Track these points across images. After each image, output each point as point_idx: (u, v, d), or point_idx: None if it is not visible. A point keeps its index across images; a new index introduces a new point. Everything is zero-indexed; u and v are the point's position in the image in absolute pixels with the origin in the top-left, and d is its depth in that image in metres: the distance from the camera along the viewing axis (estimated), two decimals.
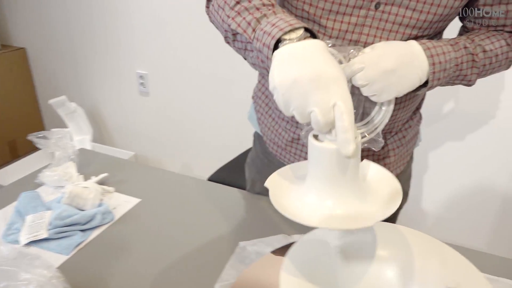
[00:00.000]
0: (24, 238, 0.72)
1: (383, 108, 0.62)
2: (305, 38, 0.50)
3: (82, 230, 0.75)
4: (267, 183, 0.51)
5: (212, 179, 1.43)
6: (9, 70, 2.26)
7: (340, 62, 0.62)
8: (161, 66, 1.95)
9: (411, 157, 0.87)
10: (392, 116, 0.68)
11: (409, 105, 0.73)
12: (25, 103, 2.39)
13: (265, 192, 0.88)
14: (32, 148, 2.30)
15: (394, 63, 0.57)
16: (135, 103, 2.13)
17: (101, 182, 0.91)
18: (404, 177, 0.86)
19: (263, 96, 0.84)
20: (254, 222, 0.81)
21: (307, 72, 0.45)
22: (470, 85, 0.68)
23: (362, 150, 0.72)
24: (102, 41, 2.06)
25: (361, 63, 0.57)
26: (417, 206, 1.66)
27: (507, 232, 1.54)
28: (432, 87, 0.62)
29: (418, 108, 0.81)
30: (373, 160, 0.75)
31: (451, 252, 0.53)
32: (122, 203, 0.85)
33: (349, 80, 0.60)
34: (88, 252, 0.71)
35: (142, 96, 2.08)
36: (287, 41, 0.50)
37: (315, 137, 0.49)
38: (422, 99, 0.81)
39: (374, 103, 0.62)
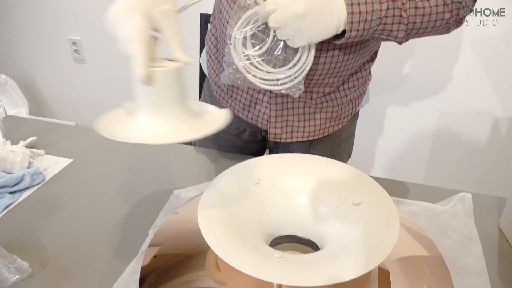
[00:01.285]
0: None
1: (304, 54, 0.64)
2: None
3: (11, 193, 0.74)
4: (96, 124, 0.52)
5: None
6: None
7: (256, 3, 0.63)
8: (95, 31, 1.87)
9: (355, 116, 0.86)
10: (328, 70, 0.69)
11: (347, 60, 0.70)
12: None
13: (209, 137, 0.89)
14: None
15: (306, 7, 0.56)
16: (71, 71, 2.04)
17: (30, 146, 0.89)
18: (345, 134, 0.86)
19: (212, 38, 0.83)
20: (190, 172, 0.83)
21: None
22: (399, 42, 0.64)
23: (292, 100, 0.74)
24: (29, 7, 1.93)
25: (274, 4, 0.57)
26: (365, 157, 1.75)
27: (438, 165, 1.66)
28: (351, 38, 0.60)
29: (365, 68, 0.78)
30: (309, 113, 0.77)
31: (362, 176, 0.58)
32: (53, 164, 0.83)
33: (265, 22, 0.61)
34: (19, 213, 0.70)
35: (78, 63, 2.00)
36: None
37: None
38: (370, 61, 0.78)
39: (296, 50, 0.64)
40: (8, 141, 0.89)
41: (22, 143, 0.87)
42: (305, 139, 0.80)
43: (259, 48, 0.65)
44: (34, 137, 0.90)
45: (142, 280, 0.53)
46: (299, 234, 0.56)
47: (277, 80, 0.66)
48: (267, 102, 0.75)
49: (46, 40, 2.00)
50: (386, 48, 1.38)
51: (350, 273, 0.41)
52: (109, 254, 0.62)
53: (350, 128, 0.87)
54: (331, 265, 0.43)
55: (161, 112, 0.50)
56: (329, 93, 0.76)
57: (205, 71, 0.89)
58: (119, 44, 0.50)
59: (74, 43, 1.94)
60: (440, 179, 1.68)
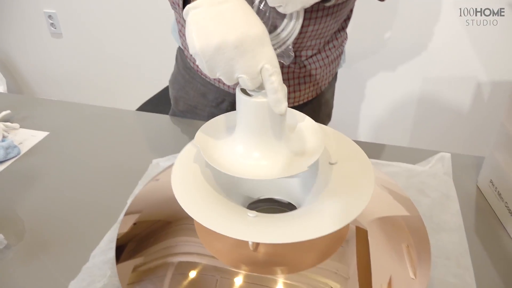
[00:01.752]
0: None
1: (292, 21, 0.62)
2: None
3: None
4: (196, 141, 0.51)
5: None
6: None
7: None
8: (71, 4, 1.81)
9: (335, 77, 0.87)
10: (312, 32, 0.67)
11: (329, 21, 0.69)
12: None
13: (188, 109, 0.87)
14: None
15: None
16: (47, 46, 1.98)
17: (4, 120, 0.86)
18: (325, 96, 0.86)
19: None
20: (169, 141, 0.82)
21: (230, 38, 0.42)
22: None
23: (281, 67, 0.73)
24: None
25: None
26: (348, 124, 1.75)
27: (421, 130, 1.67)
28: None
29: (343, 27, 0.79)
30: (294, 78, 0.75)
31: (340, 137, 0.57)
32: (28, 138, 0.81)
33: None
34: None
35: (55, 38, 1.94)
36: None
37: (243, 90, 0.49)
38: (347, 19, 0.78)
39: (283, 16, 0.62)
40: None
41: None
42: (290, 104, 0.78)
43: None
44: (8, 111, 0.87)
45: (121, 248, 0.52)
46: (277, 197, 0.56)
47: None
48: None
49: (20, 15, 1.93)
50: (368, 11, 1.37)
51: (323, 229, 0.41)
52: (87, 224, 0.61)
53: (330, 90, 0.86)
54: (305, 222, 0.43)
55: (262, 143, 0.49)
56: (312, 56, 0.75)
57: (177, 42, 0.87)
58: (217, 75, 0.45)
59: (49, 17, 1.87)
60: (424, 144, 1.69)
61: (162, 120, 0.90)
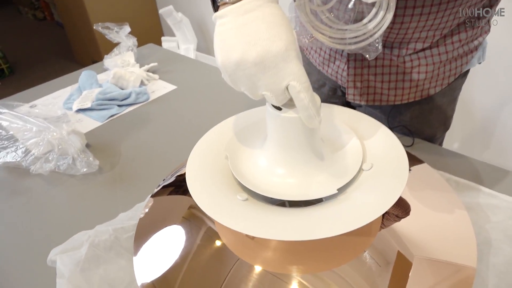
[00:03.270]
0: (75, 106, 0.87)
1: (381, 12, 0.54)
2: None
3: (119, 105, 0.87)
4: (226, 151, 0.49)
5: None
6: None
7: None
8: None
9: (461, 77, 0.69)
10: (419, 23, 0.57)
11: (444, 10, 0.56)
12: (147, 13, 2.64)
13: None
14: None
15: None
16: None
17: (152, 70, 1.02)
18: (442, 99, 0.70)
19: None
20: None
21: (250, 54, 0.39)
22: None
23: (373, 58, 0.64)
24: None
25: None
26: (479, 138, 1.45)
27: None
28: None
29: (479, 16, 0.61)
30: (391, 73, 0.66)
31: (386, 133, 0.49)
32: (160, 88, 0.94)
33: None
34: (118, 123, 0.83)
35: None
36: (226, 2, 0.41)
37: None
38: (489, 6, 0.61)
39: (371, 5, 0.54)
40: (138, 64, 1.03)
41: (144, 67, 1.00)
42: (390, 103, 0.69)
43: (328, 2, 0.58)
44: (155, 63, 1.02)
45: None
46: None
47: (349, 38, 0.58)
48: (346, 58, 0.67)
49: None
50: None
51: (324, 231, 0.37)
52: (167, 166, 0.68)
53: (450, 93, 0.69)
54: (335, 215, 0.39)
55: (289, 160, 0.46)
56: (423, 49, 0.62)
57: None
58: (242, 90, 0.43)
59: None
60: None
61: None
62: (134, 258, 0.47)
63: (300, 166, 0.45)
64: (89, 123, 0.83)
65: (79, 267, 0.46)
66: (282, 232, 0.37)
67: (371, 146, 0.49)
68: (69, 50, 3.04)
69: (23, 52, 3.29)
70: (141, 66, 1.03)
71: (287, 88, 0.40)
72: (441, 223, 0.52)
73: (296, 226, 0.39)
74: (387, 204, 0.38)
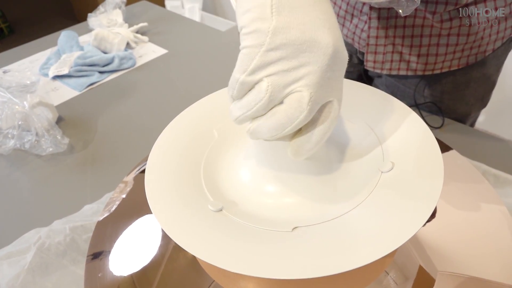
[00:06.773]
0: (51, 72, 0.76)
1: None
2: None
3: (100, 72, 0.76)
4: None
5: None
6: None
7: None
8: None
9: (508, 42, 0.57)
10: None
11: None
12: None
13: None
14: None
15: None
16: None
17: (141, 32, 0.90)
18: (481, 70, 0.58)
19: None
20: None
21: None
22: None
23: (395, 16, 0.51)
24: None
25: None
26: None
27: None
28: None
29: None
30: (429, 36, 0.53)
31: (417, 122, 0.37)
32: (149, 52, 0.83)
33: None
34: (98, 92, 0.72)
35: None
36: None
37: None
38: None
39: None
40: (126, 24, 0.91)
41: (132, 28, 0.88)
42: (419, 73, 0.57)
43: None
44: (145, 23, 0.90)
45: None
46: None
47: None
48: (367, 15, 0.55)
49: None
50: None
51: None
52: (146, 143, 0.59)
53: (493, 62, 0.58)
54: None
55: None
56: (466, 5, 0.50)
57: None
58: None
59: None
60: None
61: None
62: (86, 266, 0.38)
63: (298, 182, 0.33)
64: (65, 92, 0.73)
65: (20, 279, 0.37)
66: (264, 268, 0.27)
67: (391, 139, 0.37)
68: (70, 7, 2.90)
69: (22, 10, 3.15)
70: (130, 26, 0.91)
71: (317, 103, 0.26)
72: (474, 229, 0.42)
73: (285, 258, 0.28)
74: (406, 235, 0.27)
